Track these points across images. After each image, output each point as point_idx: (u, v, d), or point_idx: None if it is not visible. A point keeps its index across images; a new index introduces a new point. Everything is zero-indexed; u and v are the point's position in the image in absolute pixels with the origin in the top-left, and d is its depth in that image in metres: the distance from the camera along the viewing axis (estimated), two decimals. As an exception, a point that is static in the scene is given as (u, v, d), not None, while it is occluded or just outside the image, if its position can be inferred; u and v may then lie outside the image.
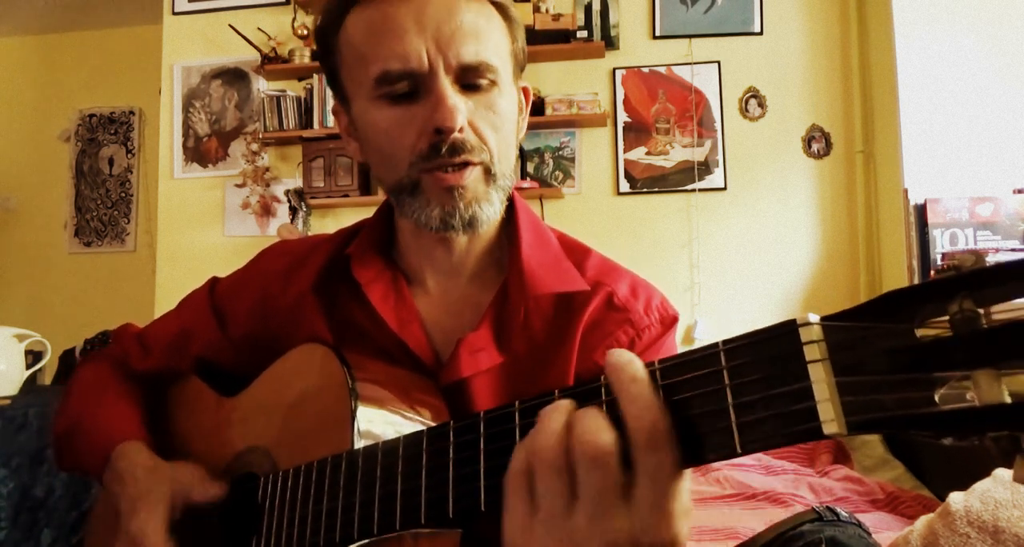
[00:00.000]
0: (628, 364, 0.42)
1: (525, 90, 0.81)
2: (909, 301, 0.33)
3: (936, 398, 0.31)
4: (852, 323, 0.35)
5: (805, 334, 0.36)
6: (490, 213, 0.71)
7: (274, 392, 0.73)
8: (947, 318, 0.31)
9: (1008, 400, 0.30)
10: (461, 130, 0.67)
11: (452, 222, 0.70)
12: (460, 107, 0.67)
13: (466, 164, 0.69)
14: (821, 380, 0.34)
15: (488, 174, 0.71)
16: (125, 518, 0.70)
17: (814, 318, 0.36)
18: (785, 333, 0.37)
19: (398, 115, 0.69)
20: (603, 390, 0.44)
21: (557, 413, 0.43)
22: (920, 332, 0.32)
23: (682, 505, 0.41)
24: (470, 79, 0.69)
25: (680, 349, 0.81)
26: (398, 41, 0.67)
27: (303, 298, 0.80)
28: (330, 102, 3.33)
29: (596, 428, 0.41)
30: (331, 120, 3.33)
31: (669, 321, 0.77)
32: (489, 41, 0.70)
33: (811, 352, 0.35)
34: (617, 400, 0.41)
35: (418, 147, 0.68)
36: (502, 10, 0.73)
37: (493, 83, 0.70)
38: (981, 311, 0.30)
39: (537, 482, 0.42)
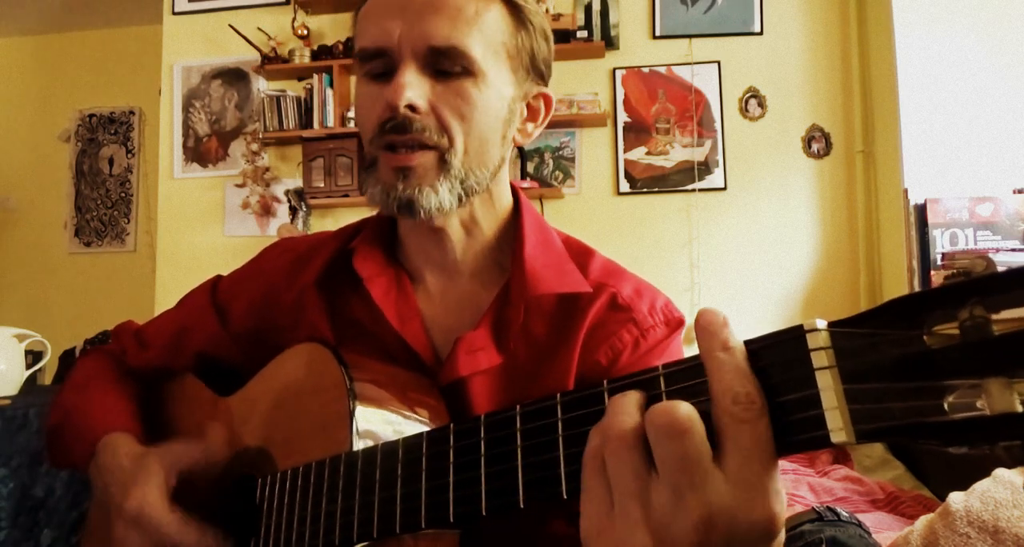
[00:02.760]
0: (721, 329, 0.38)
1: (546, 97, 0.79)
2: (918, 307, 0.32)
3: (945, 406, 0.31)
4: (860, 329, 0.34)
5: (812, 340, 0.35)
6: (432, 202, 0.70)
7: (272, 392, 0.73)
8: (956, 324, 0.31)
9: (1020, 409, 0.29)
10: (415, 110, 0.67)
11: (387, 201, 0.70)
12: (411, 84, 0.67)
13: (418, 146, 0.68)
14: (829, 387, 0.34)
15: (442, 161, 0.70)
16: (118, 501, 0.68)
17: (821, 324, 0.35)
18: (792, 339, 0.36)
19: (369, 92, 0.71)
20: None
21: (630, 395, 0.41)
22: (929, 339, 0.32)
23: (779, 483, 0.38)
24: (440, 64, 0.69)
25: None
26: (377, 21, 0.69)
27: (306, 294, 0.80)
28: (330, 102, 3.33)
29: (671, 402, 0.38)
30: (331, 120, 3.33)
31: (675, 323, 0.77)
32: (471, 28, 0.69)
33: (818, 359, 0.34)
34: (704, 366, 0.38)
35: (376, 124, 0.69)
36: (509, 3, 0.72)
37: (467, 71, 0.69)
38: (992, 318, 0.30)
39: (608, 460, 0.39)
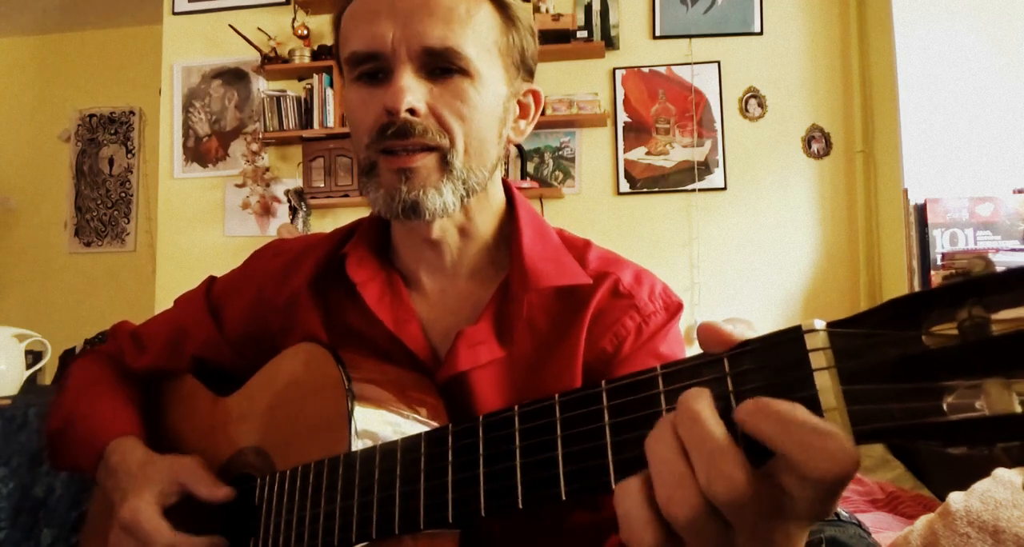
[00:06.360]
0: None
1: (535, 94, 0.80)
2: (916, 307, 0.32)
3: (944, 407, 0.31)
4: (858, 330, 0.34)
5: (811, 341, 0.35)
6: (437, 203, 0.70)
7: (270, 392, 0.73)
8: (955, 325, 0.30)
9: (1019, 410, 0.29)
10: (414, 113, 0.67)
11: (393, 205, 0.69)
12: (410, 88, 0.67)
13: (420, 148, 0.68)
14: (827, 388, 0.34)
15: (444, 162, 0.70)
16: (117, 508, 0.70)
17: (820, 324, 0.35)
18: (790, 340, 0.36)
19: (363, 96, 0.70)
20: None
21: (666, 436, 0.38)
22: (928, 339, 0.31)
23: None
24: (436, 64, 0.69)
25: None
26: (367, 24, 0.69)
27: (298, 297, 0.80)
28: (330, 102, 3.33)
29: (733, 473, 0.35)
30: (331, 120, 3.33)
31: (674, 308, 0.77)
32: (464, 28, 0.69)
33: (817, 360, 0.34)
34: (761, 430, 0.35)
35: (373, 128, 0.69)
36: (497, 1, 0.72)
37: (463, 71, 0.69)
38: (991, 318, 0.29)
39: (682, 533, 0.37)
